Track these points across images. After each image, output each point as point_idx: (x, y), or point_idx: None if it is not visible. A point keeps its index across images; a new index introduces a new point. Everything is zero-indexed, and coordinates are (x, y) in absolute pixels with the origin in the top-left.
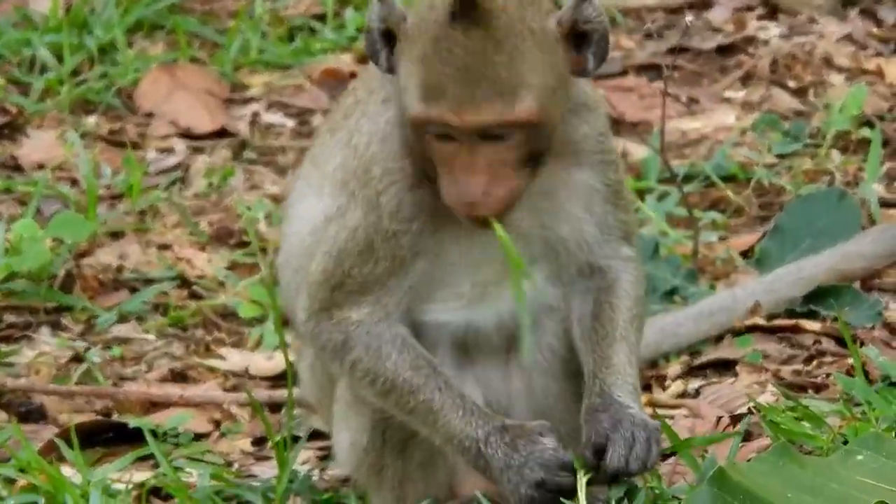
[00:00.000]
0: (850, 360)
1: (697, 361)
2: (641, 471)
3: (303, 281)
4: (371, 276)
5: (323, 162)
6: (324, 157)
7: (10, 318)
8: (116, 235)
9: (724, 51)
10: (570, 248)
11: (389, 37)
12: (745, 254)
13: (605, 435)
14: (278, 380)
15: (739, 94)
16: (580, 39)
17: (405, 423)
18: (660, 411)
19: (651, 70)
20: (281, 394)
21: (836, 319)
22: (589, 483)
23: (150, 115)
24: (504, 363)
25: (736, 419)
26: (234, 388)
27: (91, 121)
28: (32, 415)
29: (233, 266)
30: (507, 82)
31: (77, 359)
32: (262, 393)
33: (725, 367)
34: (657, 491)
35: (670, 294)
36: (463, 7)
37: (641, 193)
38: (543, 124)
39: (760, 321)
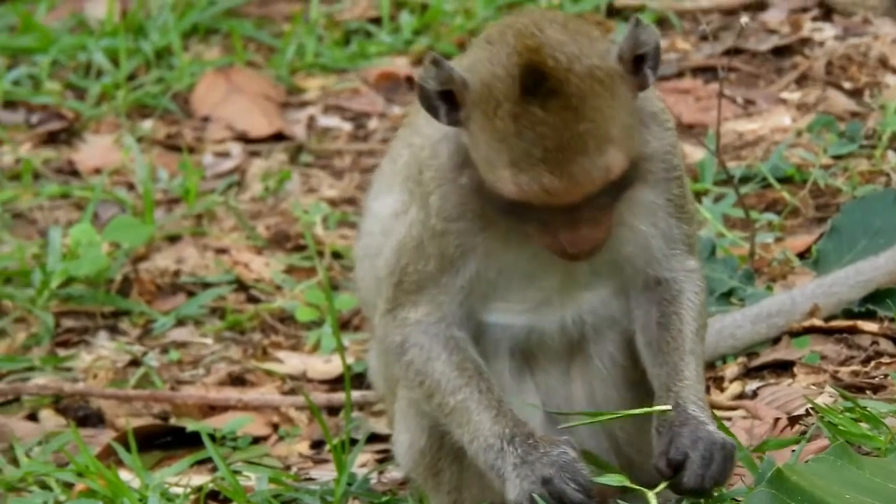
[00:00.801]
0: None
1: (755, 363)
2: (714, 488)
3: (374, 276)
4: (424, 274)
5: (396, 156)
6: (395, 151)
7: (67, 322)
8: (173, 239)
9: (780, 52)
10: (636, 264)
11: (448, 95)
12: (802, 255)
13: (684, 452)
14: (336, 383)
15: (795, 96)
16: (638, 61)
17: (446, 428)
18: (718, 413)
19: (707, 72)
20: (339, 397)
21: (893, 320)
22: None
23: (206, 119)
24: (565, 369)
25: (793, 420)
26: (292, 392)
27: (147, 125)
28: (90, 419)
29: (290, 269)
30: (596, 148)
31: (135, 363)
32: (320, 396)
33: (783, 368)
34: (716, 493)
35: (727, 295)
36: (535, 81)
37: (698, 195)
38: (632, 162)
39: (818, 322)
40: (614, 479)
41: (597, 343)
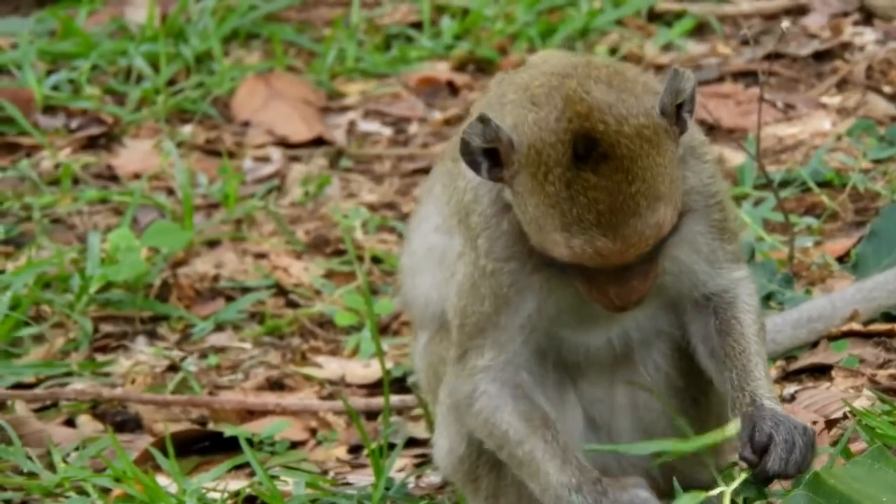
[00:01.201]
0: None
1: (794, 366)
2: (797, 475)
3: (415, 288)
4: (483, 315)
5: (445, 185)
6: (443, 181)
7: (106, 327)
8: (212, 244)
9: (820, 56)
10: (681, 287)
11: (492, 152)
12: (841, 259)
13: (768, 434)
14: (374, 388)
15: (835, 100)
16: (678, 108)
17: (521, 479)
18: None
19: (747, 76)
20: (377, 402)
21: None
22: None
23: (246, 123)
24: (609, 379)
25: (831, 424)
26: (331, 397)
27: (187, 130)
28: (128, 424)
29: (329, 274)
30: (648, 207)
31: (173, 368)
32: (359, 401)
33: (821, 371)
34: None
35: (766, 299)
36: (587, 147)
37: (738, 199)
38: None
39: (856, 326)
40: (691, 498)
41: (642, 352)
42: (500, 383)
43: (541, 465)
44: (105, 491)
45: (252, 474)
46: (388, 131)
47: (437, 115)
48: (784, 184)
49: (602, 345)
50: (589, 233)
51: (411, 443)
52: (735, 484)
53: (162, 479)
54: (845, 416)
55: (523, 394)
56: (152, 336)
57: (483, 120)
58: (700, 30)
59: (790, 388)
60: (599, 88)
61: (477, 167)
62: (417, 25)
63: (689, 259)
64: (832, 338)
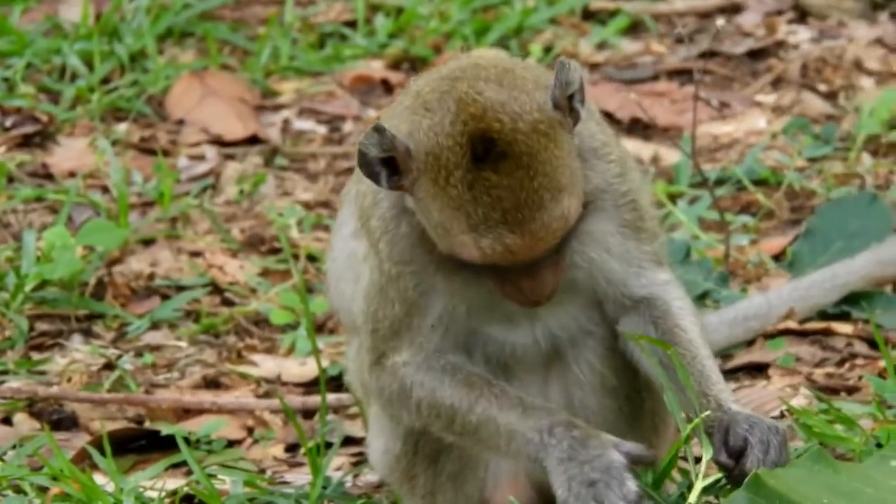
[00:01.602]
0: (883, 363)
1: (730, 364)
2: None
3: (340, 295)
4: (395, 318)
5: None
6: (356, 184)
7: (41, 326)
8: (148, 243)
9: (755, 55)
10: (598, 288)
11: (389, 161)
12: (777, 257)
13: (743, 437)
14: (311, 386)
15: (770, 98)
16: (569, 100)
17: (478, 449)
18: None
19: (682, 75)
20: (314, 400)
21: (867, 322)
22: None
23: (180, 122)
24: (542, 378)
25: None
26: (267, 395)
27: (122, 128)
28: (64, 423)
29: (265, 273)
30: (552, 200)
31: (109, 366)
32: (295, 399)
33: (758, 370)
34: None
35: (702, 297)
36: (484, 147)
37: (673, 197)
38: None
39: (793, 324)
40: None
41: (573, 351)
42: (427, 369)
43: (500, 418)
44: (42, 489)
45: (189, 473)
46: (322, 129)
47: (372, 114)
48: (719, 182)
49: (528, 343)
50: (496, 231)
51: (348, 441)
52: (707, 482)
53: (99, 478)
54: (783, 415)
55: (454, 368)
56: (88, 334)
57: (378, 129)
58: (635, 28)
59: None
60: (490, 88)
61: (376, 177)
62: (352, 24)
63: (600, 258)
64: (768, 336)
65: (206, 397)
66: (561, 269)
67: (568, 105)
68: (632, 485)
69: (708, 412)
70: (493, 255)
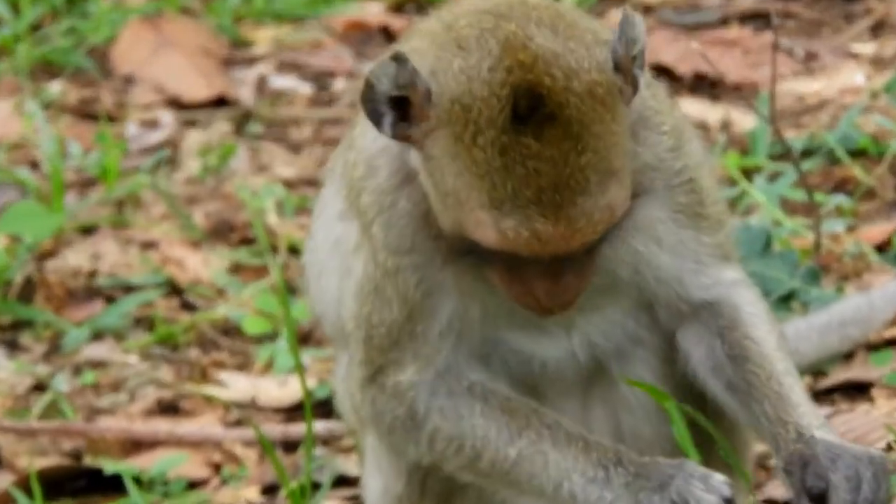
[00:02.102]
0: None
1: (823, 384)
2: None
3: (323, 294)
4: (395, 325)
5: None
6: (344, 156)
7: None
8: (88, 231)
9: None
10: (647, 287)
11: (401, 102)
12: (880, 248)
13: (824, 477)
14: (294, 411)
15: (868, 48)
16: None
17: (506, 489)
18: None
19: (758, 19)
20: (297, 429)
21: None
22: None
23: (129, 79)
24: (581, 401)
25: None
26: (239, 423)
27: (55, 87)
28: None
29: (235, 269)
30: (599, 184)
31: (39, 387)
32: (274, 428)
33: (858, 390)
34: None
35: (787, 299)
36: (530, 105)
37: (748, 173)
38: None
39: None
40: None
41: (619, 366)
42: (446, 393)
43: (551, 454)
44: None
45: None
46: (307, 89)
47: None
48: (806, 153)
49: (563, 356)
50: (525, 212)
51: (340, 481)
52: None
53: None
54: (890, 447)
55: (485, 390)
56: (13, 347)
57: (398, 59)
58: None
59: (820, 412)
60: (543, 34)
61: (378, 119)
62: None
63: (648, 251)
64: (871, 347)
65: (162, 426)
66: (589, 275)
67: (630, 69)
68: (722, 481)
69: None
70: (515, 241)
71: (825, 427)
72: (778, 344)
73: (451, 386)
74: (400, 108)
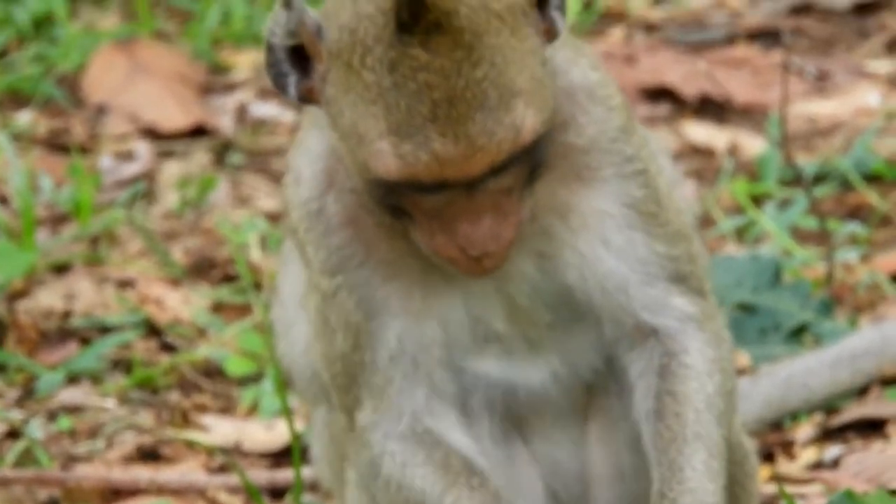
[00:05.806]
0: None
1: (836, 421)
2: None
3: (292, 347)
4: (345, 357)
5: None
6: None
7: None
8: (61, 269)
9: (863, 9)
10: (591, 297)
11: (300, 56)
12: None
13: None
14: (281, 457)
15: (883, 66)
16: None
17: None
18: (788, 489)
19: (767, 37)
20: (285, 475)
21: None
22: None
23: (101, 108)
24: (575, 436)
25: None
26: (223, 469)
27: (24, 118)
28: None
29: (217, 307)
30: (500, 100)
31: (13, 434)
32: (260, 474)
33: (873, 427)
34: None
35: (798, 333)
36: (414, 13)
37: (758, 200)
38: (546, 135)
39: None
40: None
41: (620, 394)
42: (398, 437)
43: None
44: None
45: None
46: (289, 116)
47: None
48: (819, 179)
49: (546, 382)
50: (423, 132)
51: None
52: None
53: None
54: None
55: (435, 440)
56: None
57: (286, 3)
58: None
59: (832, 451)
60: None
61: (283, 83)
62: None
63: (594, 253)
64: (886, 382)
65: (142, 474)
66: (513, 219)
67: (540, 6)
68: None
69: None
70: (415, 168)
71: None
72: (706, 403)
73: (403, 428)
74: (300, 64)
